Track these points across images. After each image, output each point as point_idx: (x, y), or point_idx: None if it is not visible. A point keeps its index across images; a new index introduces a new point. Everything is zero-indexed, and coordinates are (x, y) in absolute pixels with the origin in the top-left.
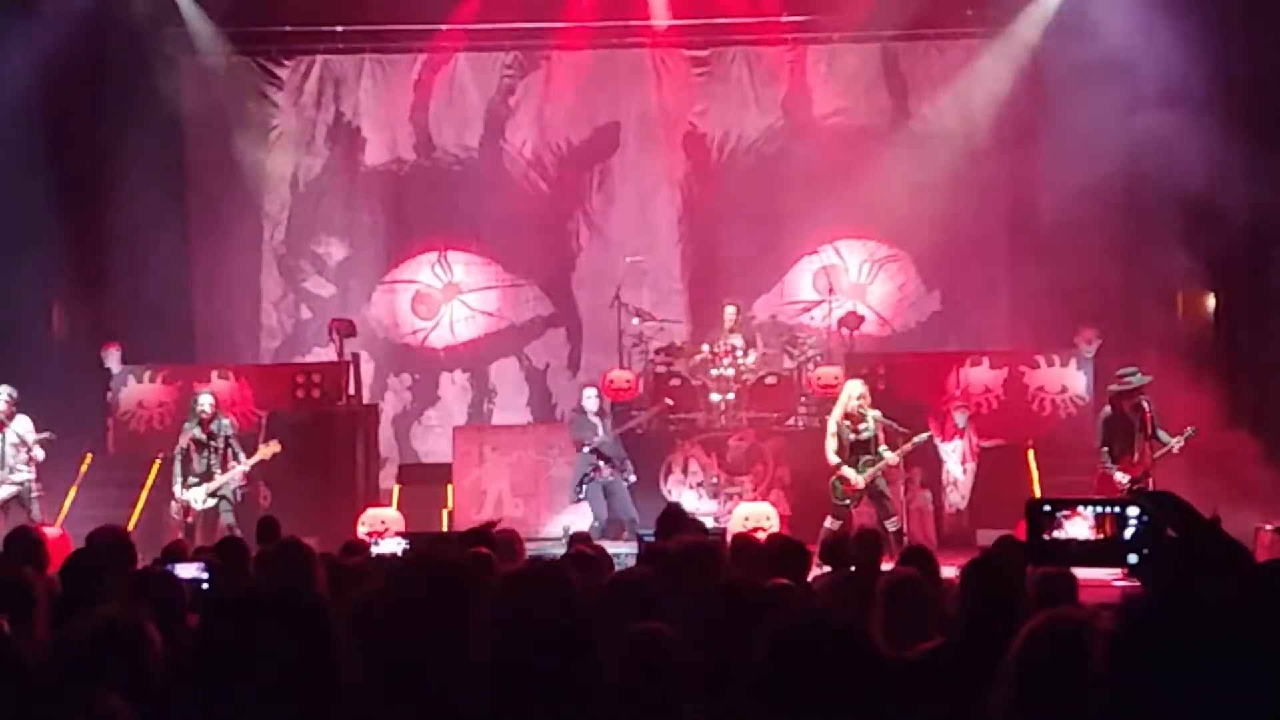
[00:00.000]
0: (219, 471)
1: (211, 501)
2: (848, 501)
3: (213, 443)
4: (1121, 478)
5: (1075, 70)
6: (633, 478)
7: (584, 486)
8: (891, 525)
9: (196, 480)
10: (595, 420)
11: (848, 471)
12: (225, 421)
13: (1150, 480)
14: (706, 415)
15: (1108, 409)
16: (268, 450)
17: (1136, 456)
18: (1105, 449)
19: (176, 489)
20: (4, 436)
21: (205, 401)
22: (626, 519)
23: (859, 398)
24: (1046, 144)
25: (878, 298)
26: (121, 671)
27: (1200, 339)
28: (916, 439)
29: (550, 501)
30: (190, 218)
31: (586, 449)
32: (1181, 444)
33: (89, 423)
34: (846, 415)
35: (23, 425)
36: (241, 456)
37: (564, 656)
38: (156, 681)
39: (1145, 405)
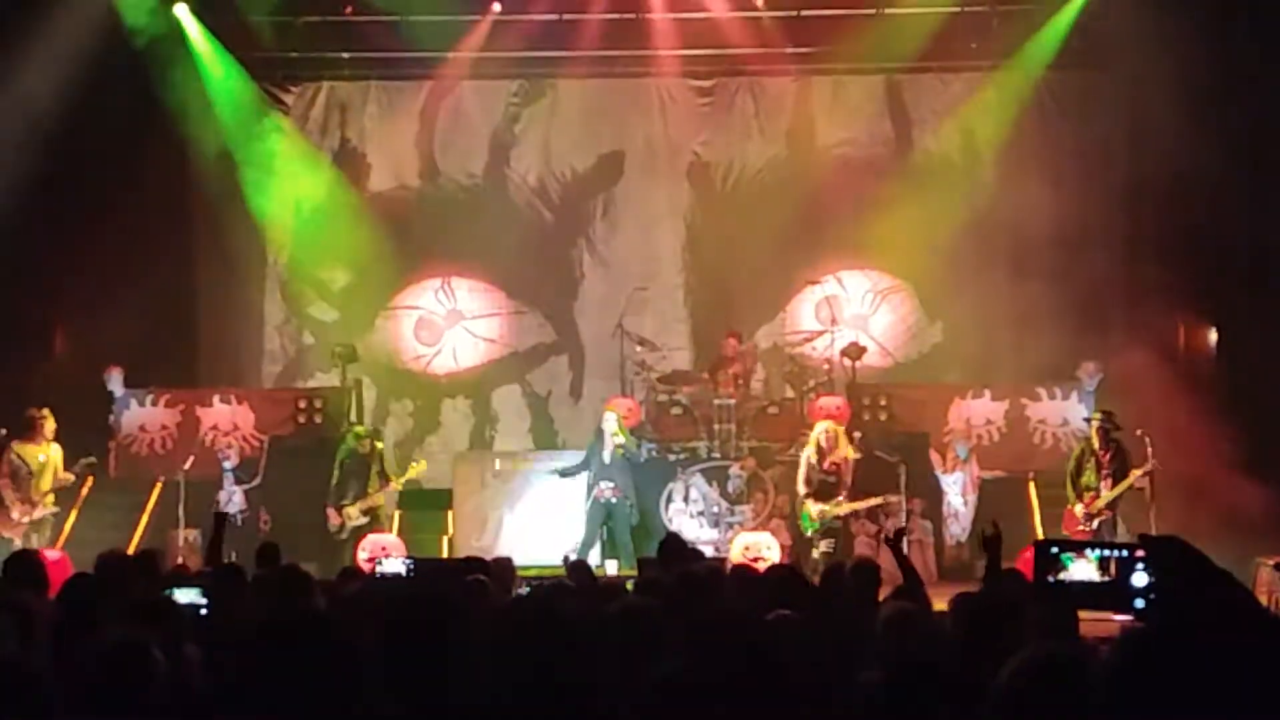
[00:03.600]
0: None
1: (365, 520)
2: (810, 532)
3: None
4: (1078, 510)
5: (1077, 102)
6: (634, 517)
7: (587, 504)
8: (819, 550)
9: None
10: (608, 443)
11: (810, 507)
12: (378, 445)
13: (1109, 515)
14: (708, 444)
15: (1079, 445)
16: (416, 470)
17: (1100, 492)
18: (1070, 482)
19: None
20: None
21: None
22: (621, 545)
23: (825, 439)
24: (1049, 176)
25: (880, 328)
26: (127, 695)
27: (1202, 372)
28: (872, 501)
29: (550, 529)
30: (194, 241)
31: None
32: (1139, 479)
33: (91, 446)
34: (817, 451)
35: (57, 451)
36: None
37: (557, 689)
38: (160, 705)
39: (1108, 443)
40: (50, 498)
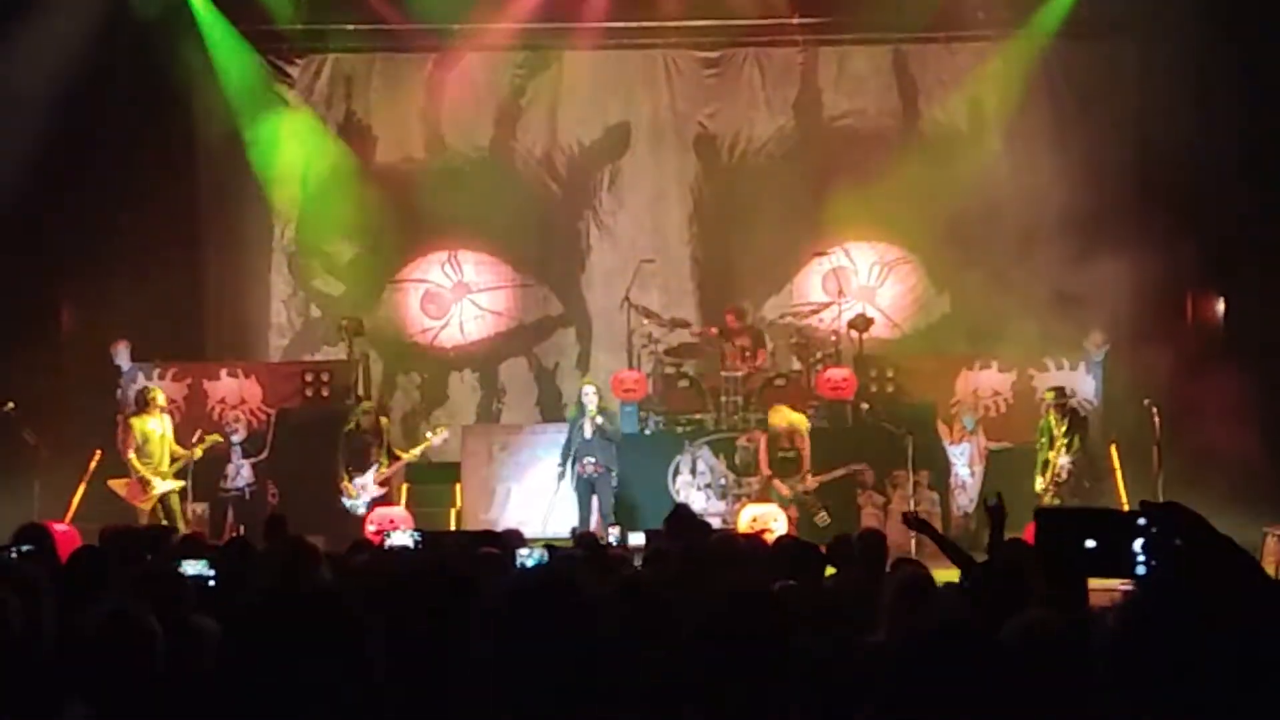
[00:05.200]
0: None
1: (380, 491)
2: (786, 504)
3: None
4: (1039, 484)
5: (1085, 72)
6: (615, 483)
7: (565, 473)
8: (821, 520)
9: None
10: (589, 416)
11: (777, 485)
12: (383, 420)
13: (1059, 488)
14: (715, 416)
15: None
16: (439, 437)
17: (1052, 466)
18: (1038, 456)
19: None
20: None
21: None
22: (603, 516)
23: (781, 417)
24: (1057, 146)
25: (887, 300)
26: (122, 665)
27: (1210, 342)
28: (837, 472)
29: (559, 501)
30: (201, 215)
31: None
32: (1069, 459)
33: (99, 419)
34: (775, 435)
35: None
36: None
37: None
38: (159, 674)
39: (1060, 418)
40: (172, 470)
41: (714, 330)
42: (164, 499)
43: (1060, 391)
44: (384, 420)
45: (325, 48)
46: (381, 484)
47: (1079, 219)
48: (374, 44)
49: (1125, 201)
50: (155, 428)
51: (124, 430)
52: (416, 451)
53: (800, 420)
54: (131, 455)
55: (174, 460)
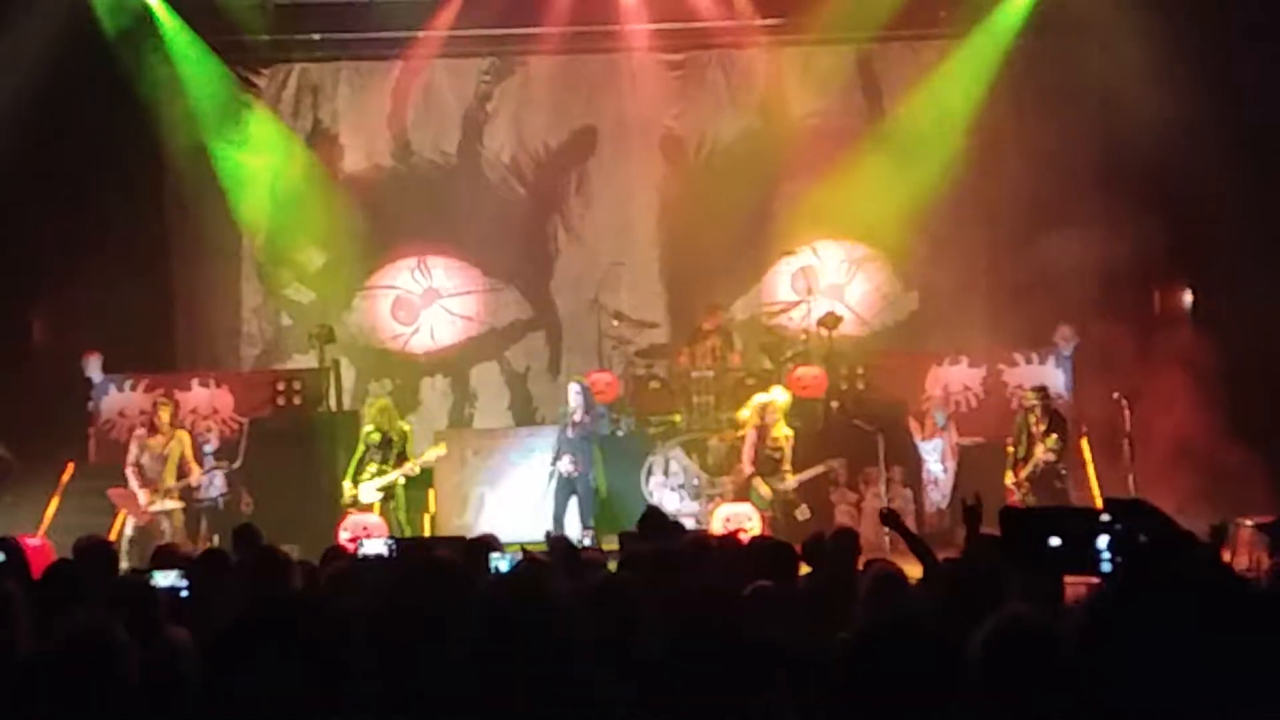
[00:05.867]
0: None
1: (379, 496)
2: (766, 505)
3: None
4: (1009, 478)
5: (1048, 67)
6: (599, 489)
7: (553, 474)
8: (802, 514)
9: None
10: (574, 415)
11: (759, 484)
12: (404, 426)
13: (1033, 484)
14: (686, 417)
15: (1018, 418)
16: (434, 453)
17: (1026, 460)
18: (1009, 448)
19: (347, 483)
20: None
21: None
22: (581, 520)
23: (767, 415)
24: (1022, 143)
25: (856, 297)
26: (90, 677)
27: (1178, 335)
28: (814, 470)
29: (532, 505)
30: (170, 226)
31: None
32: (1049, 454)
33: (70, 432)
34: (758, 429)
35: (183, 440)
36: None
37: (543, 660)
38: (129, 687)
39: (1041, 417)
40: (174, 488)
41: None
42: (166, 516)
43: (1044, 392)
44: (406, 427)
45: (291, 57)
46: (382, 490)
47: (1045, 214)
48: (340, 53)
49: (1091, 195)
50: (163, 446)
51: (128, 446)
52: (417, 466)
53: (776, 403)
54: (129, 470)
55: (181, 478)
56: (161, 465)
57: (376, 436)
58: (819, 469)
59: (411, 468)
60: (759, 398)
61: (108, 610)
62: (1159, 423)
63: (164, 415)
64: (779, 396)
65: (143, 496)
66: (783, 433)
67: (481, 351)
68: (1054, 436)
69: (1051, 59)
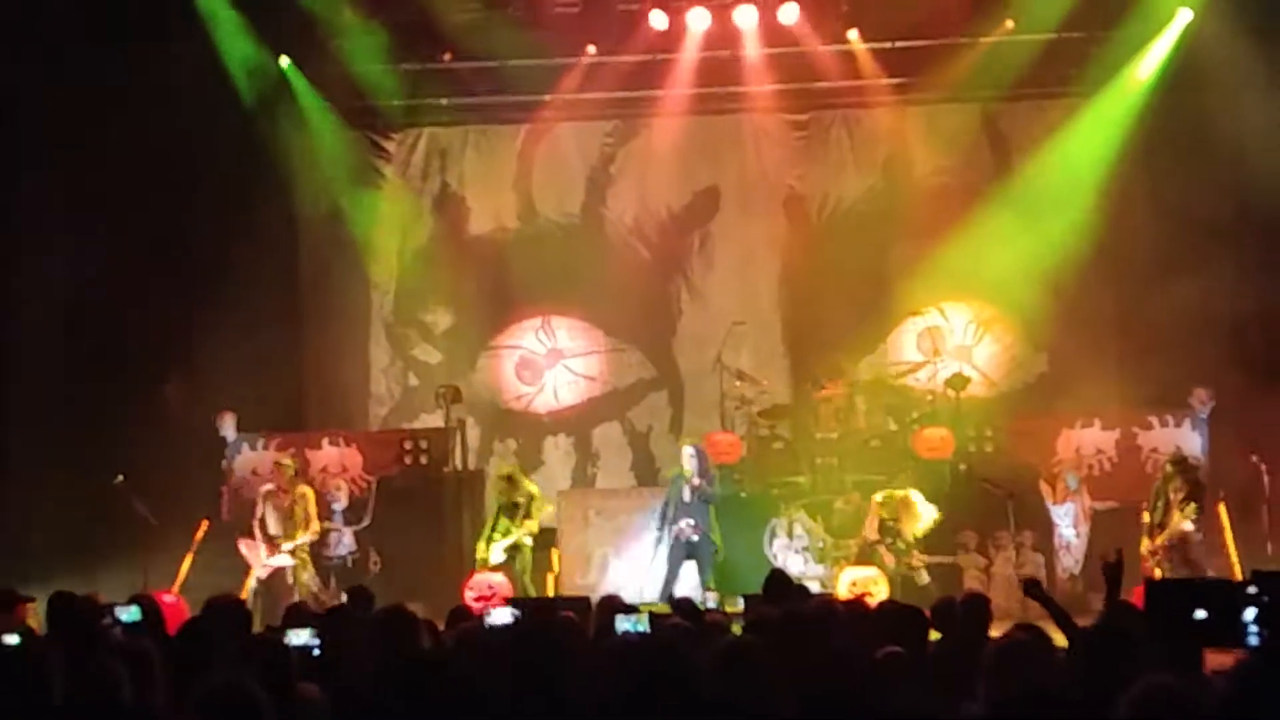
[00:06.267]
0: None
1: (504, 557)
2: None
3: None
4: (1145, 546)
5: (1178, 123)
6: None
7: (663, 537)
8: (920, 579)
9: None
10: (688, 479)
11: (884, 553)
12: (530, 487)
13: (1165, 551)
14: (810, 478)
15: (1155, 485)
16: (544, 511)
17: (1162, 529)
18: (1145, 514)
19: (481, 543)
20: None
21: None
22: (702, 585)
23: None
24: (1152, 199)
25: (984, 359)
26: None
27: None
28: (945, 559)
29: (657, 565)
30: (302, 289)
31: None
32: (1188, 524)
33: (204, 490)
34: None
35: (306, 495)
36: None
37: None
38: None
39: (1181, 485)
40: (294, 545)
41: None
42: (288, 571)
43: (1183, 463)
44: (534, 490)
45: (420, 122)
46: (508, 550)
47: (1176, 271)
48: (467, 117)
49: (1223, 251)
50: (282, 502)
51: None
52: (536, 526)
53: (916, 525)
54: (255, 525)
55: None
56: (283, 521)
57: (505, 499)
58: (949, 559)
59: (532, 528)
60: (898, 495)
61: (243, 668)
62: None
63: (287, 472)
64: (920, 509)
65: (263, 551)
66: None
67: (604, 411)
68: (1193, 505)
69: (1182, 114)
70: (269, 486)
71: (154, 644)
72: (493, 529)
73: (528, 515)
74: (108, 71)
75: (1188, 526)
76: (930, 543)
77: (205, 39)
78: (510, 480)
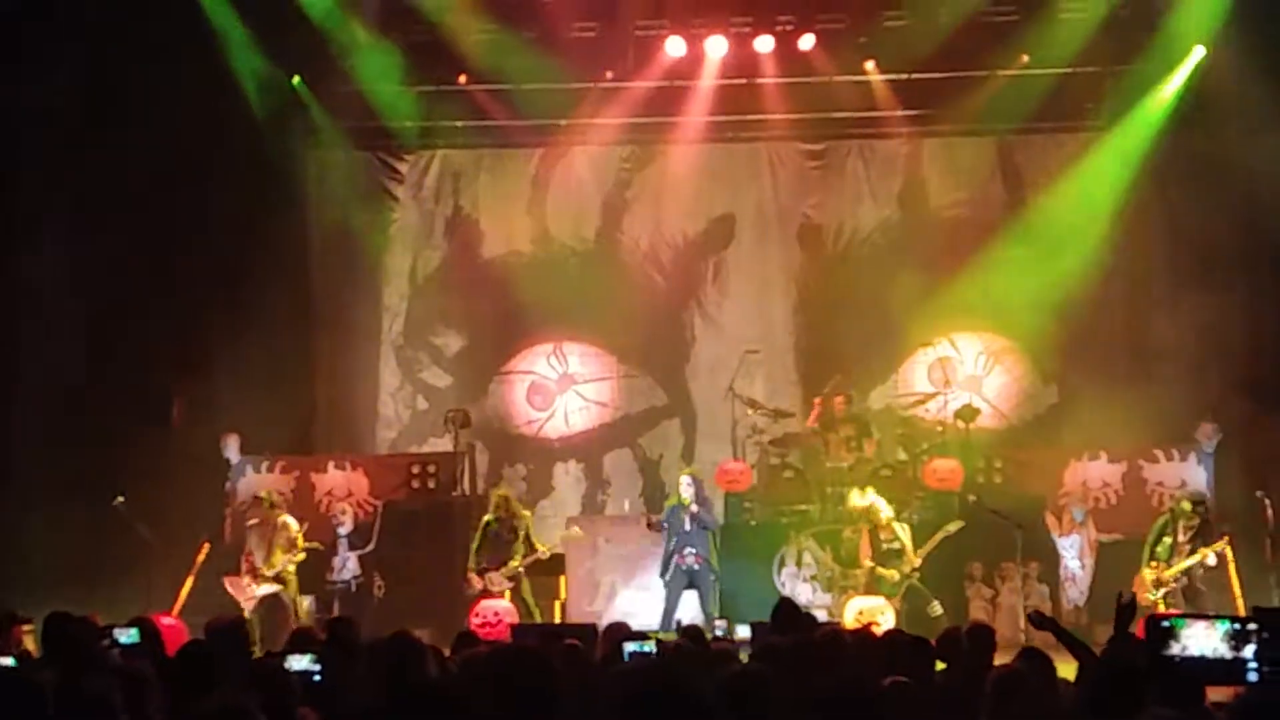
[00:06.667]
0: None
1: (509, 584)
2: (894, 590)
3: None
4: (1148, 576)
5: (1192, 162)
6: (713, 575)
7: (668, 572)
8: (934, 610)
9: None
10: (688, 506)
11: (882, 572)
12: (525, 514)
13: (1176, 586)
14: (820, 507)
15: (1164, 515)
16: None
17: (1170, 563)
18: (1147, 549)
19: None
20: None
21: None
22: (705, 613)
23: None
24: (1165, 235)
25: (994, 390)
26: None
27: None
28: (934, 541)
29: (662, 593)
30: (311, 309)
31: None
32: (1213, 558)
33: (207, 512)
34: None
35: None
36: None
37: None
38: None
39: (1186, 524)
40: (276, 571)
41: (815, 417)
42: (279, 597)
43: (1203, 505)
44: (526, 514)
45: (434, 144)
46: (510, 578)
47: (1187, 307)
48: (481, 140)
49: (1236, 285)
50: (265, 532)
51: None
52: (548, 549)
53: (898, 526)
54: (244, 558)
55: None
56: (267, 552)
57: (495, 525)
58: (938, 537)
59: (543, 553)
60: (855, 501)
61: (244, 692)
62: None
63: (264, 505)
64: (872, 501)
65: (246, 581)
66: (894, 524)
67: (615, 438)
68: (1219, 542)
69: (1195, 149)
70: (253, 521)
71: (152, 666)
72: (478, 558)
73: (528, 541)
74: (119, 85)
75: (1211, 561)
76: (933, 569)
77: (218, 56)
78: (504, 504)
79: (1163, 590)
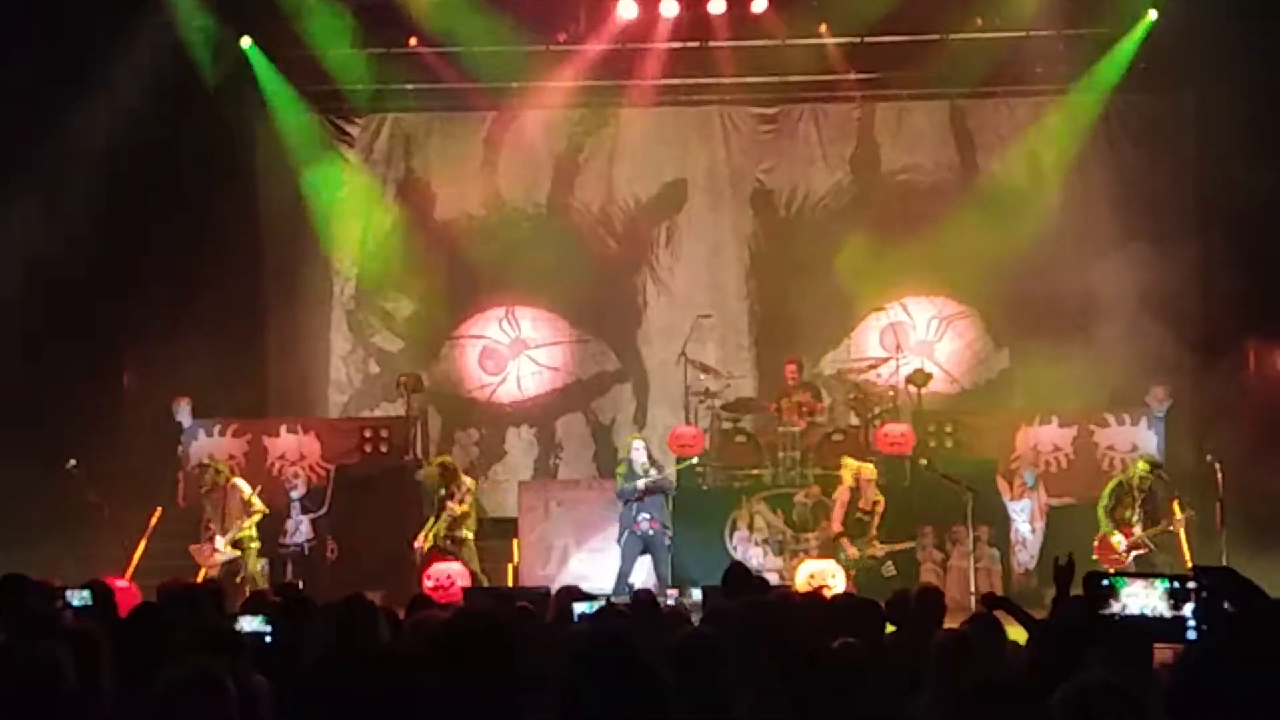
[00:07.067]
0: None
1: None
2: (850, 565)
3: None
4: (1117, 541)
5: (1144, 122)
6: (668, 541)
7: (623, 536)
8: (888, 571)
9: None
10: (640, 473)
11: (845, 545)
12: (466, 481)
13: (1147, 551)
14: (772, 471)
15: (1116, 478)
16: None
17: (1137, 527)
18: (1104, 513)
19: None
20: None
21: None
22: (659, 577)
23: (860, 480)
24: (1117, 199)
25: (946, 355)
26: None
27: (1273, 394)
28: (904, 546)
29: (616, 557)
30: (262, 273)
31: (626, 501)
32: (1176, 525)
33: (160, 476)
34: (852, 491)
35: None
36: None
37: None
38: None
39: (1150, 486)
40: (233, 536)
41: (772, 406)
42: (239, 563)
43: (1158, 470)
44: (468, 481)
45: (385, 107)
46: (455, 542)
47: (1139, 271)
48: (433, 103)
49: (1186, 252)
50: (217, 498)
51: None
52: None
53: (868, 469)
54: (202, 526)
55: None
56: (222, 518)
57: (442, 492)
58: (909, 545)
59: (453, 510)
60: (852, 464)
61: (194, 654)
62: (1253, 484)
63: (210, 473)
64: (867, 468)
65: (206, 549)
66: (875, 499)
67: (568, 403)
68: (1146, 514)
69: (1146, 113)
70: (205, 488)
71: (104, 628)
72: (435, 521)
73: (443, 502)
74: (71, 50)
75: (1182, 527)
76: (889, 532)
77: (168, 18)
78: (445, 468)
79: (1133, 554)
